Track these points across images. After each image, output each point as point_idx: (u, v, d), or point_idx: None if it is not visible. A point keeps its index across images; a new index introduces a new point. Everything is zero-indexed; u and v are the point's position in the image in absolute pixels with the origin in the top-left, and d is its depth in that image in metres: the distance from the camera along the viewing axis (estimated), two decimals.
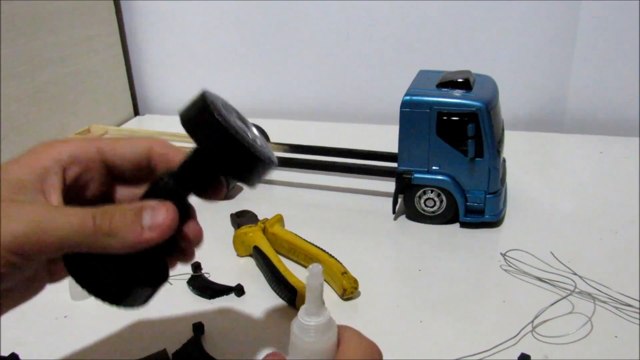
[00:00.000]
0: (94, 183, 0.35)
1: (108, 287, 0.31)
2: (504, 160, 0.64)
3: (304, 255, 0.54)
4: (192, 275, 0.53)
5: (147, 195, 0.33)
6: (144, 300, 0.33)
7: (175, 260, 0.37)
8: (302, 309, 0.37)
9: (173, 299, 0.50)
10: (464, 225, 0.61)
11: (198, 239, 0.36)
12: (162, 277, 0.34)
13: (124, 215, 0.30)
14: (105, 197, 0.37)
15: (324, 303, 0.36)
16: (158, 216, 0.30)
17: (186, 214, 0.35)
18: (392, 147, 0.63)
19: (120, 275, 0.31)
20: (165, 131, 0.82)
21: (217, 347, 0.45)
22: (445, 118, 0.57)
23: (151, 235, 0.30)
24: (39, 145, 0.33)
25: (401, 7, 0.90)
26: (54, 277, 0.36)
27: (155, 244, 0.30)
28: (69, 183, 0.33)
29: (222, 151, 0.31)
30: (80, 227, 0.29)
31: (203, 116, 0.31)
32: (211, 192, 0.36)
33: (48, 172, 0.32)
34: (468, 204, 0.60)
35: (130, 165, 0.35)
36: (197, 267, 0.53)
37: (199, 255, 0.56)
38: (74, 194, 0.34)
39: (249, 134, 0.33)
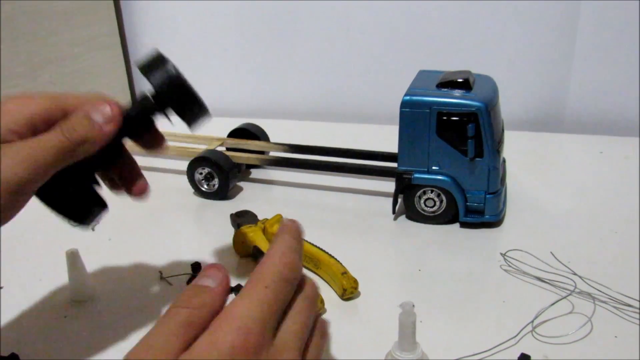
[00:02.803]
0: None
1: (74, 208, 0.40)
2: (504, 160, 0.64)
3: (304, 255, 0.54)
4: (191, 276, 0.53)
5: None
6: (96, 218, 0.42)
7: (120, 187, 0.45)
8: (395, 343, 0.39)
9: (173, 299, 0.50)
10: (464, 225, 0.61)
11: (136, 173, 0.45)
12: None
13: (81, 122, 0.37)
14: None
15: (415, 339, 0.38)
16: (105, 110, 0.38)
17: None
18: (392, 147, 0.63)
19: (83, 199, 0.41)
20: (164, 131, 0.82)
21: None
22: (445, 118, 0.57)
23: (109, 127, 0.38)
24: (11, 99, 0.39)
25: (401, 7, 0.90)
26: (16, 210, 0.40)
27: (114, 134, 0.38)
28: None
29: (172, 90, 0.40)
30: (59, 146, 0.36)
31: (162, 64, 0.40)
32: (149, 137, 0.44)
33: (21, 129, 0.37)
34: (468, 204, 0.60)
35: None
36: (196, 267, 0.53)
37: (199, 255, 0.57)
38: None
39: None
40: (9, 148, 0.35)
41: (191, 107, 0.41)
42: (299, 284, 0.33)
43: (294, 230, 0.36)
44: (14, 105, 0.38)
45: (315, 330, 0.34)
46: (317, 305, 0.34)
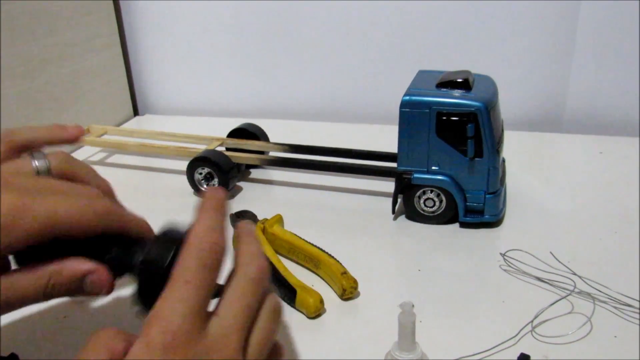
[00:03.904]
0: None
1: None
2: (504, 160, 0.64)
3: (304, 255, 0.54)
4: None
5: None
6: None
7: None
8: (395, 344, 0.39)
9: None
10: (464, 225, 0.61)
11: None
12: None
13: (69, 287, 0.34)
14: None
15: (415, 339, 0.38)
16: (97, 287, 0.35)
17: None
18: (392, 147, 0.63)
19: None
20: (164, 131, 0.82)
21: None
22: (444, 118, 0.57)
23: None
24: None
25: (401, 7, 0.90)
26: None
27: None
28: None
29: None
30: (33, 297, 0.33)
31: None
32: None
33: None
34: (467, 204, 0.60)
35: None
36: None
37: None
38: None
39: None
40: None
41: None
42: (241, 266, 0.33)
43: (212, 202, 0.34)
44: None
45: (263, 310, 0.33)
46: (263, 285, 0.33)
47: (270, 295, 0.34)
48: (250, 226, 0.37)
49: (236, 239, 0.36)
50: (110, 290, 0.35)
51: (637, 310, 0.46)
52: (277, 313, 0.34)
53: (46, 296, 0.34)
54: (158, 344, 0.28)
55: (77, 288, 0.34)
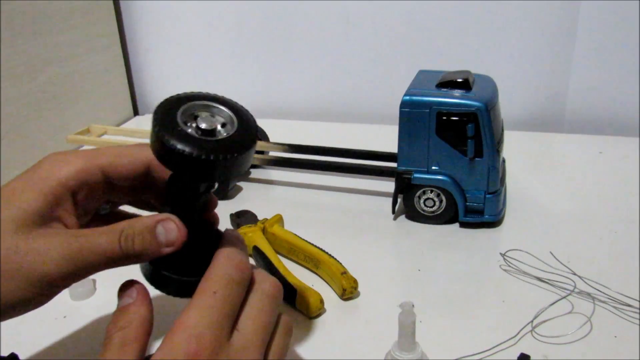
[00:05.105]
0: (98, 199, 0.37)
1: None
2: (504, 160, 0.64)
3: (304, 255, 0.54)
4: None
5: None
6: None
7: None
8: (395, 343, 0.39)
9: (173, 299, 0.50)
10: (464, 225, 0.61)
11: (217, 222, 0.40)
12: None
13: (143, 236, 0.33)
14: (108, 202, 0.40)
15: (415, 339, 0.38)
16: (171, 233, 0.33)
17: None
18: (392, 147, 0.63)
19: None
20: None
21: None
22: (444, 118, 0.57)
23: (168, 250, 0.33)
24: (44, 163, 0.35)
25: (401, 7, 0.90)
26: (49, 299, 0.37)
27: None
28: (81, 205, 0.36)
29: (188, 170, 0.32)
30: (110, 254, 0.32)
31: (161, 147, 0.32)
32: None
33: (60, 199, 0.34)
34: (467, 203, 0.60)
35: (130, 182, 0.37)
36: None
37: None
38: (82, 210, 0.36)
39: (211, 128, 0.33)
40: (56, 237, 0.32)
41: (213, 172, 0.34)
42: (258, 283, 0.34)
43: (236, 237, 0.36)
44: (46, 169, 0.34)
45: (278, 328, 0.34)
46: (278, 302, 0.34)
47: (282, 314, 0.35)
48: (237, 233, 0.37)
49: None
50: (183, 237, 0.33)
51: (637, 310, 0.46)
52: (290, 331, 0.35)
53: (122, 250, 0.32)
54: (181, 351, 0.28)
55: (152, 240, 0.33)
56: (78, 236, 0.32)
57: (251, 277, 0.34)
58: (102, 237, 0.32)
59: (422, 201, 0.61)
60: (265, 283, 0.34)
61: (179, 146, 0.31)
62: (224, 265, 0.32)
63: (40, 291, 0.31)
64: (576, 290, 0.49)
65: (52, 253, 0.31)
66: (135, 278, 0.34)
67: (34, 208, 0.32)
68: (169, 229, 0.33)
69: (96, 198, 0.37)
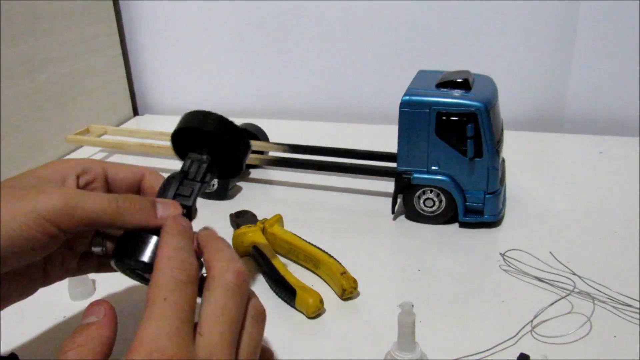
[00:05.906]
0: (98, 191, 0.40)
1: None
2: (503, 160, 0.64)
3: (304, 255, 0.54)
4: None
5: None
6: None
7: None
8: (395, 344, 0.39)
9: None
10: (463, 225, 0.61)
11: None
12: None
13: (142, 202, 0.36)
14: None
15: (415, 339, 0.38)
16: (169, 211, 0.36)
17: None
18: (392, 147, 0.63)
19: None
20: (164, 131, 0.82)
21: None
22: (444, 118, 0.57)
23: (161, 222, 0.35)
24: (57, 160, 0.41)
25: (401, 7, 0.90)
26: (47, 280, 0.39)
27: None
28: (81, 187, 0.39)
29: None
30: (107, 207, 0.34)
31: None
32: None
33: (67, 175, 0.38)
34: (467, 204, 0.60)
35: (124, 187, 0.41)
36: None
37: None
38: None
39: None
40: (56, 188, 0.36)
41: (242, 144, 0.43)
42: (219, 275, 0.32)
43: (175, 227, 0.34)
44: (54, 165, 0.39)
45: (247, 317, 0.32)
46: (244, 292, 0.32)
47: (252, 299, 0.33)
48: (211, 230, 0.37)
49: (202, 248, 0.35)
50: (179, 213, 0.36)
51: (637, 310, 0.46)
52: (261, 317, 0.33)
53: (116, 214, 0.34)
54: None
55: (150, 209, 0.35)
56: (77, 190, 0.36)
57: (211, 269, 0.32)
58: (98, 194, 0.35)
59: (421, 201, 0.61)
60: (227, 273, 0.32)
61: None
62: (166, 268, 0.31)
63: (42, 229, 0.32)
64: (576, 290, 0.49)
65: (52, 195, 0.33)
66: (130, 285, 0.35)
67: (43, 175, 0.37)
68: (167, 208, 0.36)
69: (95, 188, 0.40)
